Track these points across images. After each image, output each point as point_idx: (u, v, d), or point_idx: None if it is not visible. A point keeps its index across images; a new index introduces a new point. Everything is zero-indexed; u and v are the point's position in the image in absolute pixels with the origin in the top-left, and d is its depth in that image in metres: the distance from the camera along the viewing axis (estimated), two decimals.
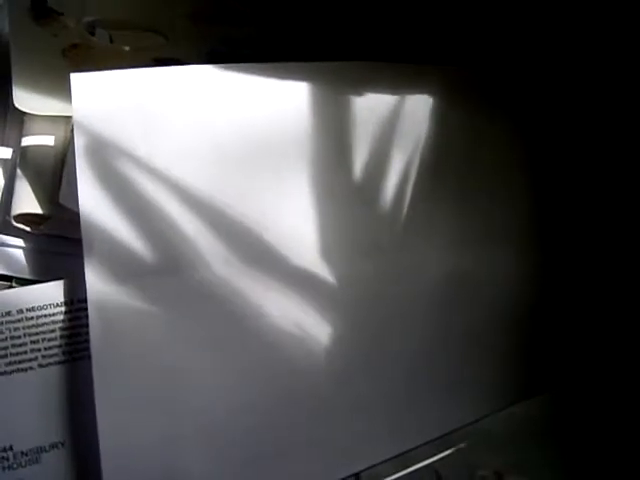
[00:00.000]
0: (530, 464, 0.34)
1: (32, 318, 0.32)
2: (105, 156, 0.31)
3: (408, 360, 0.34)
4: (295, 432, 0.32)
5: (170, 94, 0.32)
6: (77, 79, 0.31)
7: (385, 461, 0.32)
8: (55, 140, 0.36)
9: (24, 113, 0.35)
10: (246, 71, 0.34)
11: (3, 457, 0.30)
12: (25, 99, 0.35)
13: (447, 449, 0.33)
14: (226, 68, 0.33)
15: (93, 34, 0.37)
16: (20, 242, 0.35)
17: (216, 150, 0.32)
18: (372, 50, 0.38)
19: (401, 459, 0.33)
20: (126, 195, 0.31)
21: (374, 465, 0.32)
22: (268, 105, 0.34)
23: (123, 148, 0.31)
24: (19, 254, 0.35)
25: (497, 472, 0.33)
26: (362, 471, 0.32)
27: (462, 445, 0.34)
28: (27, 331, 0.31)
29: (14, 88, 0.34)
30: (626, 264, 0.39)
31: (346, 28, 0.39)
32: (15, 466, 0.30)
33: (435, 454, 0.33)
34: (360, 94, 0.35)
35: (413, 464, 0.33)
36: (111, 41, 0.37)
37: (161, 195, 0.31)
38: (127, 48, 0.38)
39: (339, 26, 0.39)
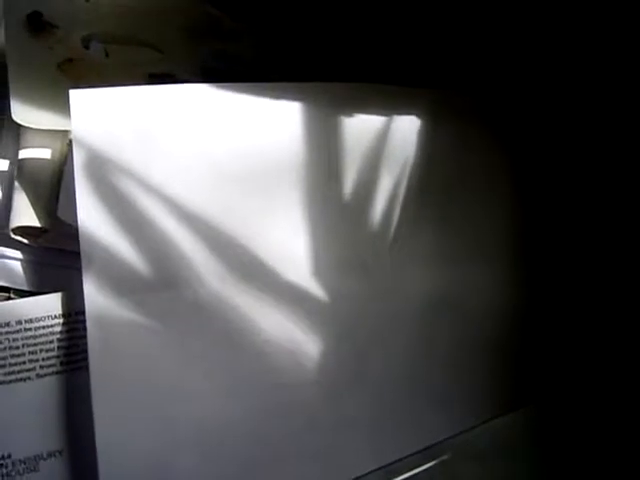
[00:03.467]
0: (511, 476, 0.35)
1: (30, 329, 0.32)
2: (103, 172, 0.31)
3: (394, 375, 0.35)
4: (284, 443, 0.32)
5: (167, 111, 0.33)
6: (76, 95, 0.32)
7: (370, 472, 0.33)
8: (52, 153, 0.36)
9: (20, 125, 0.35)
10: (241, 90, 0.34)
11: (2, 465, 0.31)
12: (22, 112, 0.35)
13: (431, 461, 0.34)
14: (222, 87, 0.34)
15: (88, 48, 0.37)
16: (18, 254, 0.36)
17: (211, 168, 0.33)
18: (363, 70, 0.39)
19: (386, 470, 0.33)
20: (124, 210, 0.31)
21: (360, 476, 0.33)
22: (261, 124, 0.34)
23: (121, 164, 0.32)
24: (17, 266, 0.36)
25: None
26: None
27: (445, 457, 0.35)
28: (25, 342, 0.32)
29: (12, 101, 0.35)
30: (608, 279, 0.40)
31: (339, 48, 0.40)
32: (13, 474, 0.31)
33: (419, 466, 0.34)
34: (350, 115, 0.36)
35: (397, 476, 0.34)
36: (107, 55, 0.38)
37: (158, 211, 0.32)
38: (121, 62, 0.38)
39: (332, 45, 0.40)
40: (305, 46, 0.40)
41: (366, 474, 0.33)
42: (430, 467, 0.34)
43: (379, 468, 0.33)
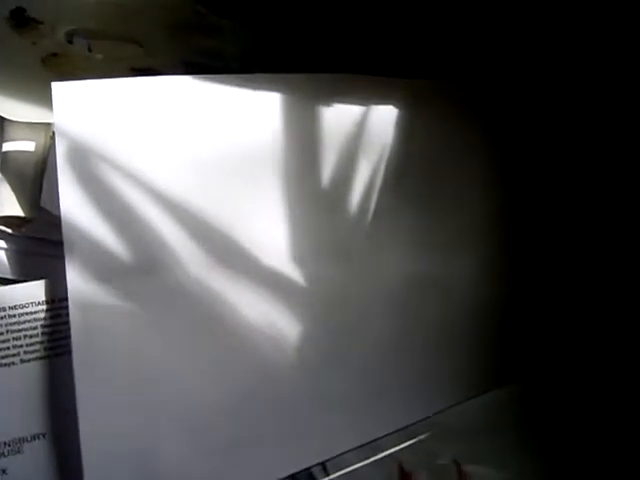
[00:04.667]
0: (493, 454, 0.36)
1: (14, 316, 0.33)
2: (85, 162, 0.32)
3: (373, 357, 0.36)
4: (265, 423, 0.33)
5: (149, 103, 0.33)
6: (58, 88, 0.32)
7: (350, 450, 0.34)
8: (35, 145, 0.37)
9: (4, 119, 0.36)
10: (221, 82, 0.35)
11: None
12: (5, 105, 0.35)
13: (409, 439, 0.35)
14: (203, 79, 0.34)
15: (72, 43, 0.38)
16: (2, 244, 0.36)
17: (192, 157, 0.34)
18: (344, 61, 0.39)
19: (365, 449, 0.34)
20: (106, 199, 0.32)
21: (340, 454, 0.33)
22: (242, 114, 0.35)
23: (103, 154, 0.32)
24: (1, 255, 0.36)
25: (455, 461, 0.35)
26: (328, 460, 0.33)
27: (423, 436, 0.35)
28: (9, 328, 0.33)
29: None
30: (592, 260, 0.41)
31: (319, 41, 0.41)
32: None
33: (398, 444, 0.34)
34: (329, 105, 0.36)
35: (377, 453, 0.34)
36: (90, 50, 0.38)
37: (139, 200, 0.32)
38: (104, 57, 0.38)
39: (313, 39, 0.41)
40: (289, 41, 0.41)
41: (346, 452, 0.33)
42: (412, 444, 0.35)
43: (360, 446, 0.33)
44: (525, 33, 0.41)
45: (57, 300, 0.33)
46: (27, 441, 0.32)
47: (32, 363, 0.33)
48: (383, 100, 0.38)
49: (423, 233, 0.38)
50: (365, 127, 0.37)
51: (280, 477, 0.33)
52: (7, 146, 0.37)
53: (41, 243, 0.36)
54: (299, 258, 0.35)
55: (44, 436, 0.32)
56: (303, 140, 0.36)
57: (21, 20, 0.36)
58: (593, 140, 0.42)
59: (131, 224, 0.32)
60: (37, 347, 0.33)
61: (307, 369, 0.34)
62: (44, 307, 0.33)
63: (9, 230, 0.36)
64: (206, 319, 0.33)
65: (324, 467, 0.34)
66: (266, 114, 0.35)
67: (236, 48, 0.41)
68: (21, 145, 0.37)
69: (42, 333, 0.33)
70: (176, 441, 0.31)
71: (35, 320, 0.33)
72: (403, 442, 0.35)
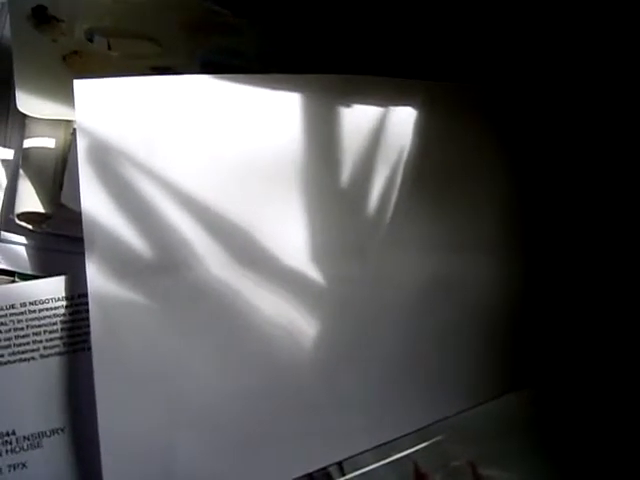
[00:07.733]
0: (501, 457, 0.36)
1: (34, 311, 0.33)
2: (106, 159, 0.32)
3: (390, 357, 0.36)
4: (282, 421, 0.33)
5: (169, 101, 0.34)
6: (80, 85, 0.32)
7: (366, 451, 0.34)
8: (56, 142, 0.37)
9: (25, 115, 0.36)
10: (240, 81, 0.35)
11: (6, 441, 0.32)
12: (27, 102, 0.36)
13: (425, 441, 0.35)
14: (221, 78, 0.35)
15: (91, 41, 0.38)
16: (23, 239, 0.36)
17: (212, 156, 0.34)
18: (363, 63, 0.39)
19: (381, 449, 0.34)
20: (126, 196, 0.32)
21: (356, 454, 0.33)
22: (260, 114, 0.35)
23: (123, 151, 0.32)
24: (22, 251, 0.36)
25: (470, 463, 0.35)
26: (345, 460, 0.33)
27: (438, 438, 0.35)
28: (30, 323, 0.33)
29: (17, 92, 0.35)
30: (606, 261, 0.41)
31: (336, 41, 0.41)
32: (17, 450, 0.32)
33: (413, 445, 0.35)
34: (348, 106, 0.37)
35: (393, 454, 0.34)
36: (109, 48, 0.38)
37: (159, 197, 0.33)
38: (123, 55, 0.38)
39: (330, 39, 0.41)
40: (307, 40, 0.41)
41: (362, 452, 0.33)
42: (427, 446, 0.35)
43: (376, 446, 0.33)
44: (542, 38, 0.41)
45: (77, 296, 0.34)
46: (46, 436, 0.32)
47: (51, 358, 0.33)
48: (401, 102, 0.38)
49: (440, 234, 0.38)
50: (383, 128, 0.37)
51: (297, 476, 0.33)
52: (28, 143, 0.37)
53: (61, 239, 0.36)
54: (318, 258, 0.35)
55: (63, 431, 0.32)
56: (321, 140, 0.36)
57: (42, 18, 0.37)
58: (608, 142, 0.42)
59: (151, 222, 0.33)
60: (57, 342, 0.33)
61: (325, 368, 0.34)
62: (64, 303, 0.34)
63: (30, 226, 0.36)
64: (225, 317, 0.33)
65: (341, 466, 0.34)
66: (284, 114, 0.36)
67: (254, 48, 0.41)
68: (42, 142, 0.37)
69: (62, 329, 0.33)
70: (194, 437, 0.32)
71: (55, 316, 0.33)
72: (419, 443, 0.35)
